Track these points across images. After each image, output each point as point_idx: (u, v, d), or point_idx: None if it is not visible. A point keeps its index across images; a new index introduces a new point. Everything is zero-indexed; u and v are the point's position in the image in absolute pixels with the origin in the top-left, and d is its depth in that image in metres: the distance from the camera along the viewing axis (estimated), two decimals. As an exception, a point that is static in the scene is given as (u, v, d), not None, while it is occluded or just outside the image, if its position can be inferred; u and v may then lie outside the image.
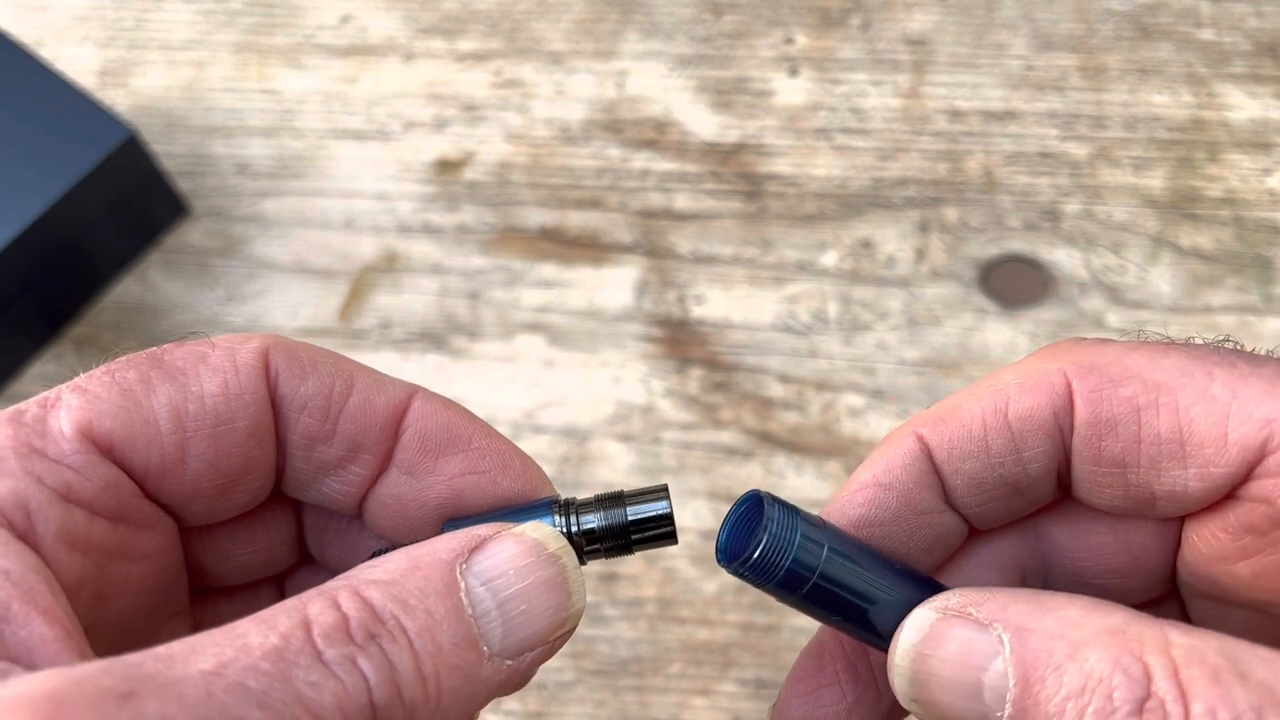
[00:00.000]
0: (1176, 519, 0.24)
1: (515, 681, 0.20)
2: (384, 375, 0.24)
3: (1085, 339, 0.24)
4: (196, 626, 0.25)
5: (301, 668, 0.17)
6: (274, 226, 0.55)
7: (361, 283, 0.54)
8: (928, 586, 0.23)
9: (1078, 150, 0.56)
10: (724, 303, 0.53)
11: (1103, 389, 0.22)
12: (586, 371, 0.51)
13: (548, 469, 0.49)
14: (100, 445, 0.20)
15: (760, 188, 0.55)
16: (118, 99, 0.58)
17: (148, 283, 0.54)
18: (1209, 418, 0.21)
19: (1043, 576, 0.27)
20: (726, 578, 0.47)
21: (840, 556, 0.23)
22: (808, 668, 0.25)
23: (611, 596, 0.47)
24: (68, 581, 0.19)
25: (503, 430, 0.49)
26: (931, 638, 0.21)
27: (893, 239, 0.54)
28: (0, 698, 0.15)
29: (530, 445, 0.49)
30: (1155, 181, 0.55)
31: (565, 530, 0.23)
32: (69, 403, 0.21)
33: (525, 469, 0.24)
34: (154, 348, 0.22)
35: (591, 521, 0.24)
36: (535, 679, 0.48)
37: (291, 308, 0.53)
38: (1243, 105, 0.56)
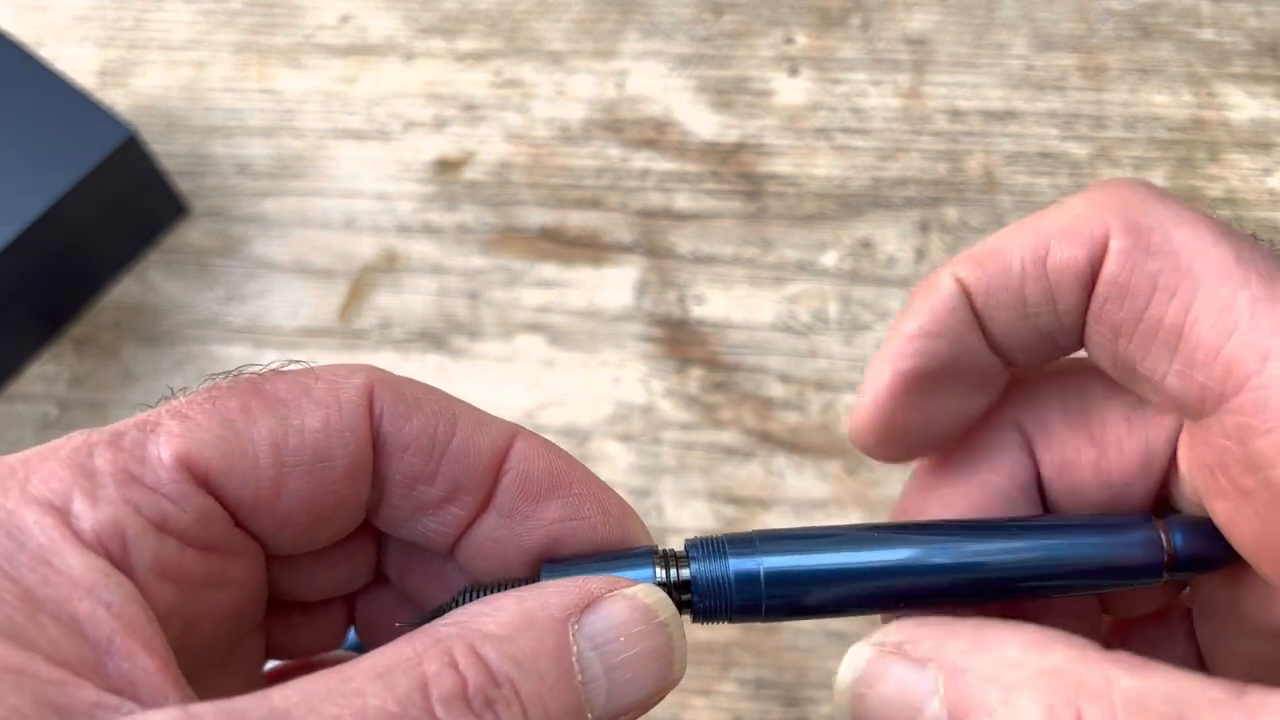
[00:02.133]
0: (1156, 462, 0.24)
1: None
2: (485, 414, 0.23)
3: (1144, 185, 0.23)
4: (268, 639, 0.25)
5: None
6: (274, 226, 0.55)
7: (361, 283, 0.54)
8: (897, 533, 0.23)
9: (1078, 150, 0.56)
10: (724, 303, 0.53)
11: (1134, 254, 0.22)
12: (586, 371, 0.51)
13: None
14: (197, 475, 0.20)
15: (760, 188, 0.55)
16: (118, 99, 0.58)
17: (148, 283, 0.54)
18: (1216, 326, 0.21)
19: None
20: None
21: (782, 572, 0.23)
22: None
23: (611, 596, 0.47)
24: (160, 611, 0.19)
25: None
26: (868, 676, 0.21)
27: (893, 239, 0.54)
28: None
29: (530, 445, 0.49)
30: (1155, 181, 0.55)
31: (666, 580, 0.23)
32: (169, 429, 0.20)
33: (624, 516, 0.24)
34: (254, 374, 0.22)
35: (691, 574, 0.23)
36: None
37: (291, 307, 0.53)
38: (1243, 105, 0.56)
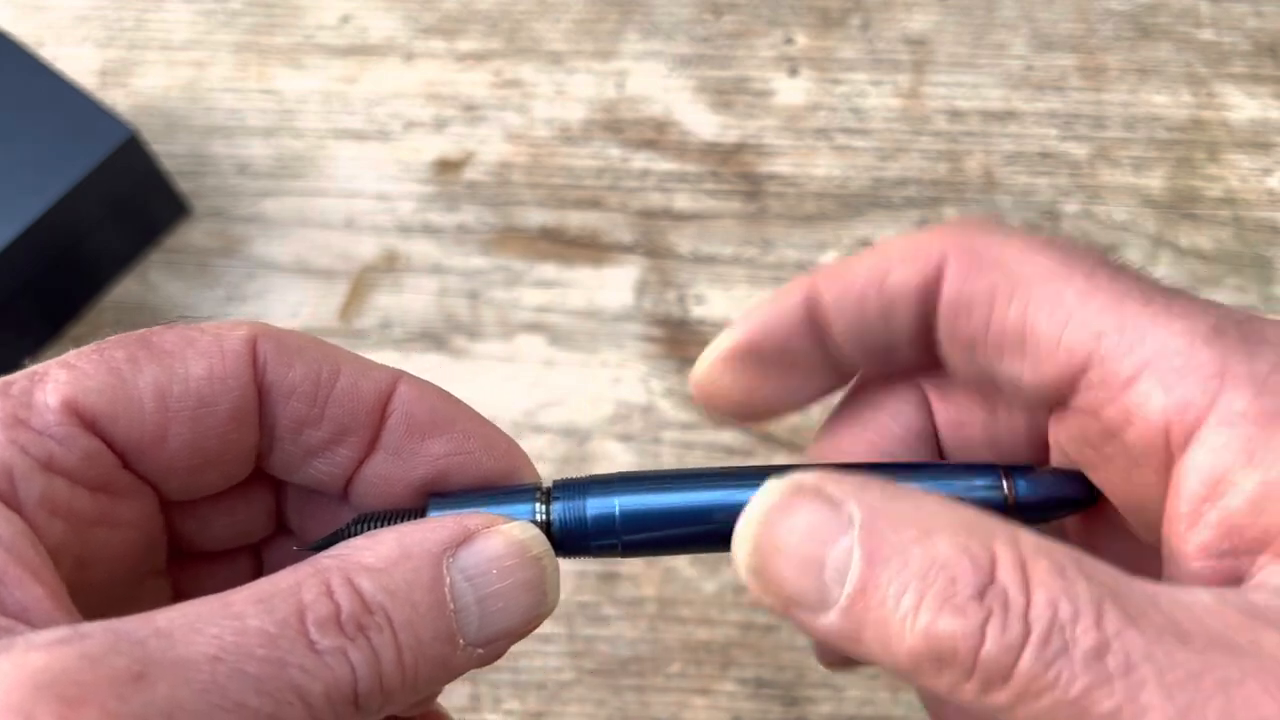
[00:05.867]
0: (1040, 423, 0.26)
1: (482, 665, 0.22)
2: (369, 361, 0.24)
3: (981, 220, 0.25)
4: (175, 586, 0.26)
5: (296, 655, 0.18)
6: (274, 226, 0.55)
7: (361, 282, 0.54)
8: (755, 474, 0.24)
9: (1077, 150, 0.56)
10: (724, 303, 0.53)
11: (969, 272, 0.24)
12: (586, 371, 0.51)
13: (547, 469, 0.49)
14: (84, 419, 0.21)
15: (760, 188, 0.55)
16: (118, 99, 0.58)
17: (148, 283, 0.54)
18: (1051, 319, 0.22)
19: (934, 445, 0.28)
20: (727, 577, 0.47)
21: (637, 511, 0.24)
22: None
23: (611, 596, 0.47)
24: (49, 546, 0.20)
25: (503, 430, 0.49)
26: (781, 507, 0.21)
27: (892, 239, 0.54)
28: (22, 668, 0.16)
29: (530, 445, 0.49)
30: (1155, 181, 0.55)
31: (545, 517, 0.24)
32: (56, 377, 0.21)
33: (509, 450, 0.25)
34: (144, 330, 0.23)
35: None
36: (535, 678, 0.47)
37: (292, 307, 0.53)
38: (1242, 105, 0.56)
